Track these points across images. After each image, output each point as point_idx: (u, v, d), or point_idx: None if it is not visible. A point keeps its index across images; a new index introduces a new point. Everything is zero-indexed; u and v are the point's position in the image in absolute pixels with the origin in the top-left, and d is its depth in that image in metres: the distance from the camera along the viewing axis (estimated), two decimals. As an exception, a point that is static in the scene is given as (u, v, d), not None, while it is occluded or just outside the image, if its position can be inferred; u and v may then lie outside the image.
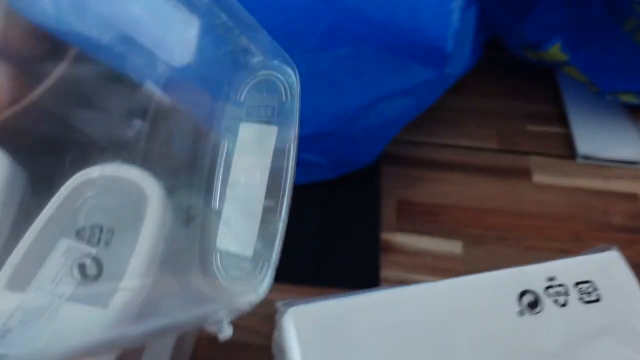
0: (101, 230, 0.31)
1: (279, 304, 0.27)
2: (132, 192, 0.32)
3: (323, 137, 0.41)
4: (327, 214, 0.50)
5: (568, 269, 0.29)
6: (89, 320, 0.28)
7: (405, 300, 0.27)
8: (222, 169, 0.31)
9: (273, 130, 0.30)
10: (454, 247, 0.50)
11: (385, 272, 0.46)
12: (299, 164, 0.49)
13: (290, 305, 0.26)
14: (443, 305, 0.26)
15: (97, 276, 0.30)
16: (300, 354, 0.25)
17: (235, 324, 0.23)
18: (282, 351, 0.27)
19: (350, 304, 0.26)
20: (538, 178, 0.56)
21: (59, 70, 0.40)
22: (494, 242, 0.50)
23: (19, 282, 0.29)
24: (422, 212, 0.53)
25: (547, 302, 0.28)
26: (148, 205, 0.32)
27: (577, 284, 0.29)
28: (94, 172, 0.33)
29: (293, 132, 0.29)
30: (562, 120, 0.60)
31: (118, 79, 0.33)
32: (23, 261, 0.29)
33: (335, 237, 0.49)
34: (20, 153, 0.33)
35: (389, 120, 0.43)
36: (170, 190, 0.31)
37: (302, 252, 0.46)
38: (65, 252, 0.30)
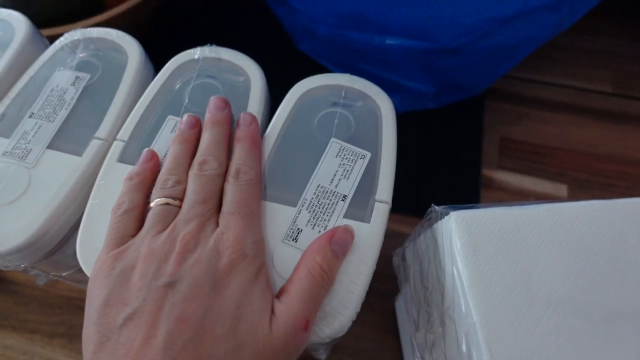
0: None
1: (435, 208, 0.23)
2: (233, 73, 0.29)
3: (451, 53, 0.37)
4: (428, 145, 0.46)
5: None
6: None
7: (577, 215, 0.22)
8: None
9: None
10: (558, 190, 0.46)
11: (485, 208, 0.42)
12: (406, 91, 0.45)
13: (451, 209, 0.22)
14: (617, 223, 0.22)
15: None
16: (464, 257, 0.21)
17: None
18: (434, 254, 0.23)
19: (518, 214, 0.22)
20: (653, 126, 0.50)
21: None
22: (601, 188, 0.46)
23: (132, 156, 0.26)
24: (526, 151, 0.48)
25: None
26: (252, 89, 0.28)
27: None
28: (195, 53, 0.29)
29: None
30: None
31: None
32: (133, 136, 0.27)
33: (435, 169, 0.45)
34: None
35: (524, 40, 0.38)
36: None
37: (403, 183, 0.42)
38: (175, 129, 0.27)
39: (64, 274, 0.29)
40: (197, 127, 0.26)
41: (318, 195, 0.24)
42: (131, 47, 0.30)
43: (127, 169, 0.25)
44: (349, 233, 0.23)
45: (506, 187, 0.45)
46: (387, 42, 0.37)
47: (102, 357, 0.19)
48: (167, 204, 0.23)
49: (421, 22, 0.34)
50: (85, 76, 0.29)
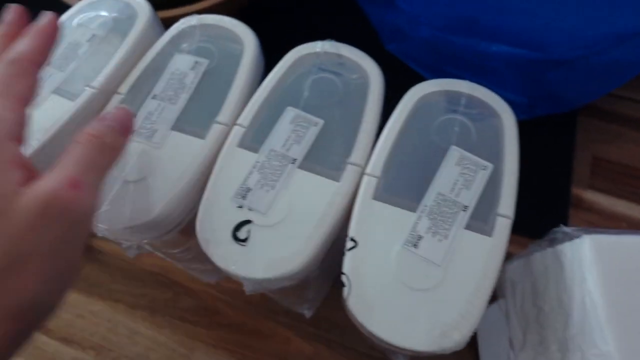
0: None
1: (564, 229, 0.23)
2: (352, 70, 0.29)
3: (560, 66, 0.35)
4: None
5: None
6: (322, 192, 0.25)
7: None
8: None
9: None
10: (655, 217, 0.43)
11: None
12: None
13: (583, 232, 0.21)
14: None
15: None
16: (601, 286, 0.20)
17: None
18: (556, 277, 0.23)
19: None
20: None
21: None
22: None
23: (251, 142, 0.26)
24: (620, 172, 0.46)
25: None
26: (370, 88, 0.28)
27: None
28: (315, 46, 0.29)
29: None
30: None
31: None
32: (253, 123, 0.27)
33: (523, 183, 0.43)
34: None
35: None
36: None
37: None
38: (294, 120, 0.27)
39: (174, 251, 0.30)
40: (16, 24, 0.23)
41: (438, 203, 0.24)
42: (246, 35, 0.30)
43: (246, 155, 0.26)
44: (120, 109, 0.22)
45: (597, 209, 0.43)
46: (493, 48, 0.36)
47: None
48: None
49: (536, 32, 0.33)
50: (204, 62, 0.29)
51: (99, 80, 0.28)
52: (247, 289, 0.24)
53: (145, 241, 0.28)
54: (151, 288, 0.43)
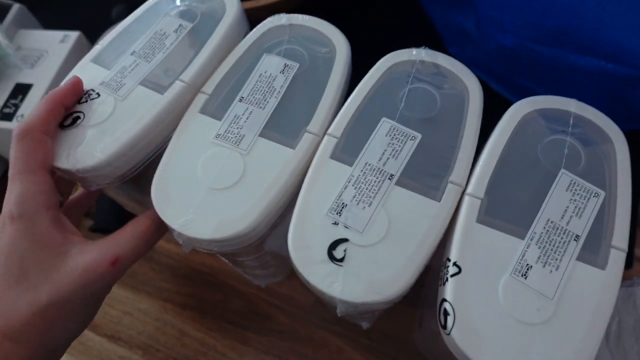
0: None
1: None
2: (449, 81, 0.27)
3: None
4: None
5: None
6: (422, 211, 0.24)
7: None
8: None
9: None
10: None
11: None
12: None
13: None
14: None
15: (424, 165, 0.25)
16: None
17: None
18: None
19: None
20: None
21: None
22: None
23: (344, 154, 0.25)
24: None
25: None
26: (469, 102, 0.27)
27: None
28: (410, 53, 0.28)
29: None
30: None
31: None
32: (346, 134, 0.26)
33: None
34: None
35: None
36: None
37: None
38: (389, 133, 0.25)
39: (242, 258, 0.29)
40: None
41: (548, 230, 0.23)
42: (338, 39, 0.29)
43: (340, 167, 0.25)
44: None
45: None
46: (581, 62, 0.35)
47: None
48: None
49: (637, 48, 0.31)
50: (294, 65, 0.28)
51: (189, 74, 0.27)
52: (340, 310, 0.23)
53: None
54: (200, 288, 0.42)
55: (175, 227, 0.23)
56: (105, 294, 0.27)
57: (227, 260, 0.31)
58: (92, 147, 0.25)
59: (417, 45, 0.34)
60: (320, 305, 0.41)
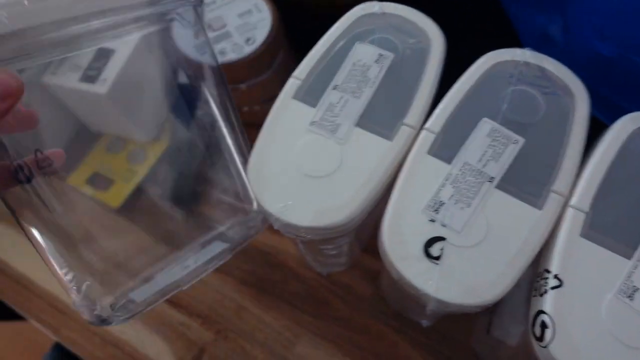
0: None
1: None
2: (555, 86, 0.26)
3: None
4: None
5: None
6: (522, 218, 0.23)
7: None
8: None
9: None
10: None
11: None
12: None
13: None
14: None
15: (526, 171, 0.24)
16: None
17: None
18: None
19: None
20: None
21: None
22: None
23: (441, 150, 0.25)
24: None
25: None
26: (576, 110, 0.25)
27: None
28: (514, 53, 0.27)
29: None
30: None
31: None
32: (444, 130, 0.25)
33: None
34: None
35: None
36: None
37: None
38: (490, 134, 0.24)
39: (323, 247, 0.29)
40: None
41: (659, 253, 0.21)
42: (433, 31, 0.28)
43: (437, 164, 0.24)
44: (7, 74, 0.21)
45: None
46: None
47: None
48: None
49: None
50: (389, 55, 0.27)
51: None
52: (430, 308, 0.22)
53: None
54: (261, 267, 0.43)
55: (273, 211, 0.24)
56: None
57: (302, 246, 0.31)
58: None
59: (489, 41, 0.33)
60: (379, 298, 0.41)
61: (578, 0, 0.36)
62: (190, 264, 0.35)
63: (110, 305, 0.30)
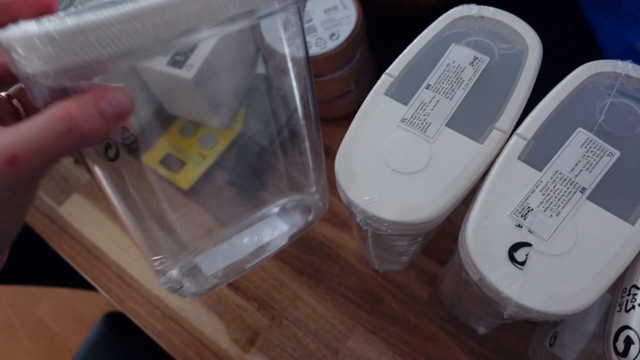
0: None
1: None
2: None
3: None
4: None
5: None
6: (614, 231, 0.23)
7: None
8: None
9: None
10: None
11: None
12: None
13: None
14: None
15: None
16: None
17: None
18: None
19: None
20: None
21: None
22: None
23: (532, 157, 0.25)
24: None
25: None
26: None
27: None
28: (615, 65, 0.26)
29: None
30: None
31: None
32: (536, 137, 0.25)
33: None
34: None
35: None
36: None
37: None
38: (585, 144, 0.24)
39: (397, 243, 0.30)
40: None
41: None
42: (530, 37, 0.28)
43: (528, 170, 0.24)
44: (124, 94, 0.20)
45: None
46: None
47: None
48: None
49: None
50: (485, 58, 0.28)
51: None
52: (509, 312, 0.23)
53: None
54: (319, 258, 0.44)
55: (360, 203, 0.24)
56: (15, 199, 0.21)
57: (371, 240, 0.32)
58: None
59: (569, 53, 0.32)
60: (435, 300, 0.41)
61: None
62: (251, 243, 0.36)
63: (182, 275, 0.32)
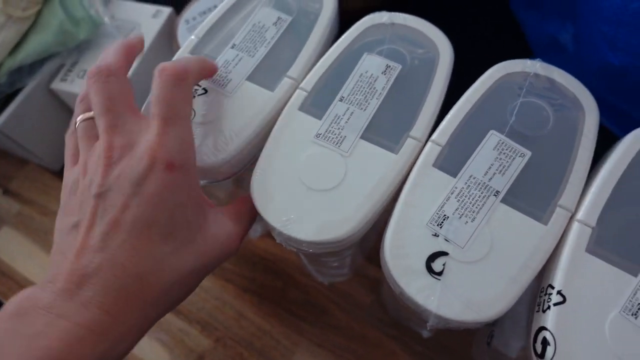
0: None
1: None
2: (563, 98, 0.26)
3: None
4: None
5: None
6: (527, 233, 0.23)
7: None
8: None
9: None
10: None
11: None
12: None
13: None
14: None
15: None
16: None
17: None
18: None
19: None
20: None
21: None
22: None
23: (447, 163, 0.24)
24: None
25: None
26: (585, 123, 0.25)
27: None
28: (524, 64, 0.27)
29: None
30: None
31: None
32: (450, 143, 0.25)
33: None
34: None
35: None
36: None
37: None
38: (497, 146, 0.24)
39: (326, 259, 0.29)
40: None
41: (663, 271, 0.21)
42: (442, 42, 0.28)
43: (443, 177, 0.24)
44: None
45: None
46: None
47: (55, 254, 0.22)
48: (85, 119, 0.24)
49: None
50: (397, 66, 0.27)
51: (296, 70, 0.27)
52: (431, 324, 0.22)
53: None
54: (261, 274, 0.43)
55: (276, 225, 0.23)
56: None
57: (304, 258, 0.31)
58: (208, 146, 0.25)
59: (503, 50, 0.33)
60: (378, 306, 0.40)
61: (589, 9, 0.36)
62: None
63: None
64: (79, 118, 0.25)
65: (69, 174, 0.24)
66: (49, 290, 0.20)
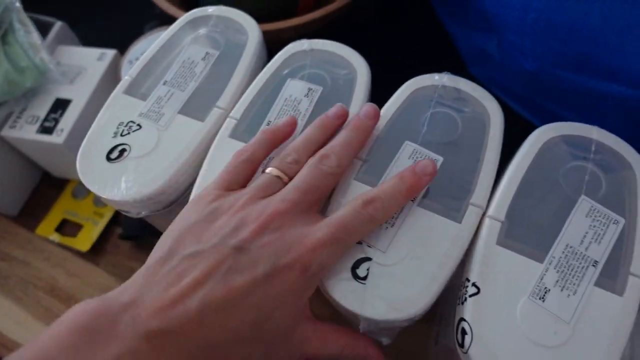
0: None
1: None
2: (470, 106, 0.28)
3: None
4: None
5: None
6: (443, 232, 0.25)
7: None
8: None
9: None
10: None
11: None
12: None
13: None
14: None
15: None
16: None
17: None
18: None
19: None
20: None
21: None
22: None
23: (368, 175, 0.26)
24: None
25: None
26: (490, 127, 0.27)
27: None
28: (433, 78, 0.29)
29: None
30: None
31: None
32: (373, 154, 0.27)
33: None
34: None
35: None
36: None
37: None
38: (412, 155, 0.26)
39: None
40: (341, 120, 0.27)
41: (567, 255, 0.23)
42: (359, 63, 0.30)
43: (364, 189, 0.26)
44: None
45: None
46: (603, 88, 0.35)
47: (158, 269, 0.21)
48: (278, 176, 0.25)
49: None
50: (318, 88, 0.29)
51: (225, 100, 0.29)
52: (363, 327, 0.24)
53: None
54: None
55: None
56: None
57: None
58: (145, 177, 0.27)
59: (438, 63, 0.35)
60: (337, 317, 0.41)
61: (500, 22, 0.39)
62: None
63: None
64: (275, 171, 0.25)
65: (214, 193, 0.24)
66: (122, 315, 0.19)
